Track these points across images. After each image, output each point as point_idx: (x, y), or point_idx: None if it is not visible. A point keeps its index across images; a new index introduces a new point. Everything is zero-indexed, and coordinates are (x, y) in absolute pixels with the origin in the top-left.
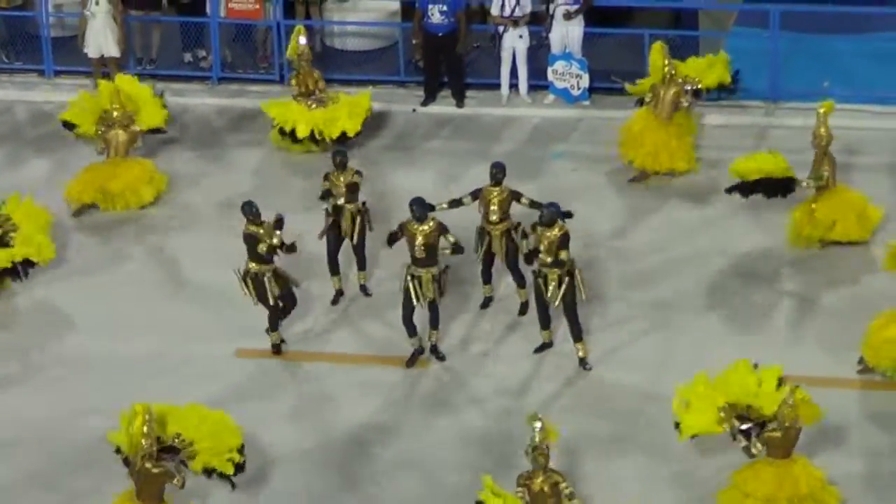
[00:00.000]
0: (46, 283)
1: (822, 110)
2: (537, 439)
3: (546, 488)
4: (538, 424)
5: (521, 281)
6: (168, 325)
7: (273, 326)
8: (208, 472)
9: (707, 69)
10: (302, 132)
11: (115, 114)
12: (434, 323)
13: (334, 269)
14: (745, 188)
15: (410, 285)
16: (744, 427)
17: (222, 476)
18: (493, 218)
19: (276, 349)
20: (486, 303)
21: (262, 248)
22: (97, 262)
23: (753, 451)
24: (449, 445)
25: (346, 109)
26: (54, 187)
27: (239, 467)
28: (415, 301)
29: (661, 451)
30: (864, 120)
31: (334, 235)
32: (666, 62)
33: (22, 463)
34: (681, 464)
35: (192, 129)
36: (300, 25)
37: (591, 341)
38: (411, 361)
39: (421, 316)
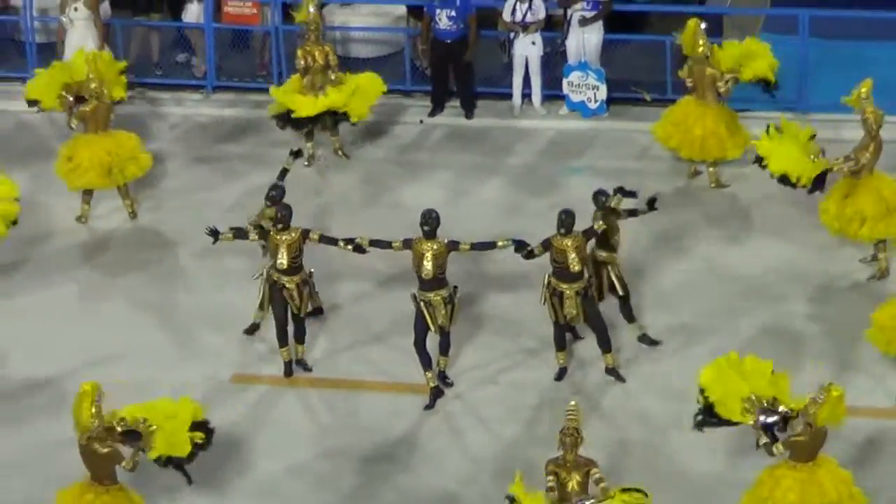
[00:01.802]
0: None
1: (863, 89)
2: (569, 424)
3: (577, 477)
4: (572, 404)
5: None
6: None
7: (281, 342)
8: (166, 461)
9: (746, 58)
10: (310, 111)
11: (92, 85)
12: (444, 349)
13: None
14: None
15: (425, 311)
16: (769, 420)
17: (178, 466)
18: (576, 268)
19: (288, 370)
20: (561, 374)
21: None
22: (84, 281)
23: (775, 451)
24: (460, 469)
25: (352, 90)
26: (36, 202)
27: (198, 446)
28: (431, 326)
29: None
30: None
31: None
32: (701, 42)
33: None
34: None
35: (187, 141)
36: None
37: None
38: (431, 404)
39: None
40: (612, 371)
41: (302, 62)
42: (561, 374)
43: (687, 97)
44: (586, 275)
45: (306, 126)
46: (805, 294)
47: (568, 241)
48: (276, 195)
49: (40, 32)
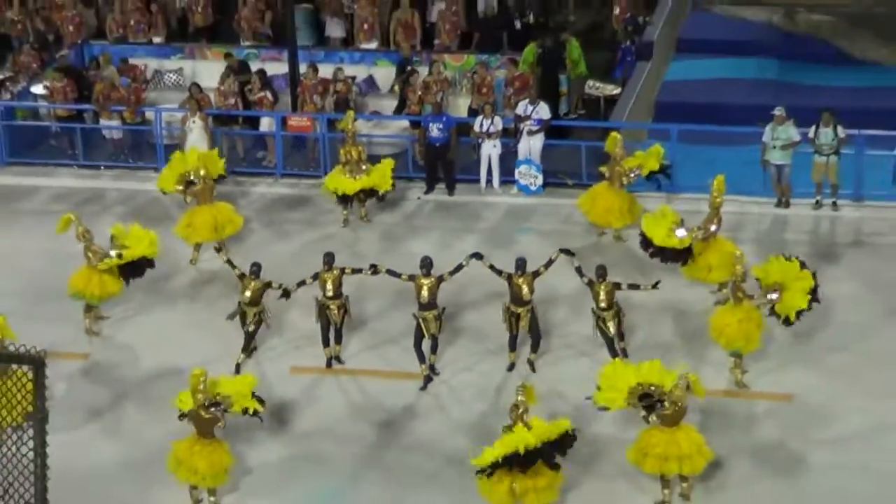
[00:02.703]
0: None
1: (715, 183)
2: (518, 398)
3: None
4: (520, 386)
5: (536, 348)
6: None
7: (325, 344)
8: (244, 412)
9: (646, 157)
10: (350, 190)
11: (201, 172)
12: (434, 349)
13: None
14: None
15: (421, 324)
16: (644, 403)
17: (254, 413)
18: (526, 297)
19: (329, 363)
20: (511, 367)
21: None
22: (193, 304)
23: (650, 419)
24: (444, 432)
25: (377, 174)
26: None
27: (261, 402)
28: (425, 334)
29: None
30: (734, 206)
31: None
32: (618, 147)
33: None
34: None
35: (263, 211)
36: (350, 110)
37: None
38: (424, 386)
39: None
40: (531, 364)
41: (344, 157)
42: (511, 367)
43: (603, 183)
44: (531, 301)
45: (349, 200)
46: (673, 316)
47: (521, 279)
48: (328, 260)
49: (167, 137)
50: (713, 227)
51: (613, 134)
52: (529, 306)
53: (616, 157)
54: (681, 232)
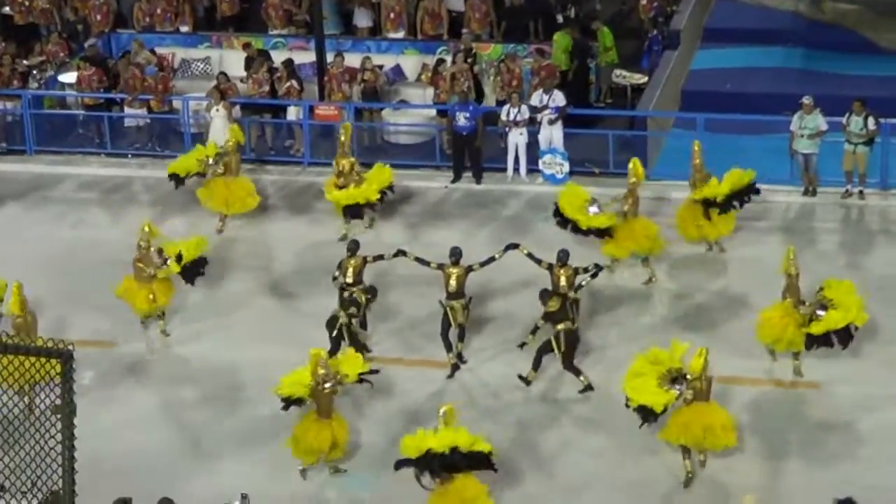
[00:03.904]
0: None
1: (631, 165)
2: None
3: None
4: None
5: None
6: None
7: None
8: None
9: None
10: (337, 203)
11: (230, 143)
12: (461, 338)
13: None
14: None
15: (449, 313)
16: (677, 386)
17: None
18: (561, 291)
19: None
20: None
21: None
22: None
23: (687, 397)
24: (471, 417)
25: (368, 184)
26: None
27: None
28: (453, 323)
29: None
30: (761, 195)
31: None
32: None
33: None
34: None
35: (289, 198)
36: (348, 122)
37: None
38: (451, 374)
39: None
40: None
41: (337, 168)
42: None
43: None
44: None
45: (347, 213)
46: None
47: (561, 271)
48: (352, 247)
49: (193, 125)
50: (625, 208)
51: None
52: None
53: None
54: (593, 209)
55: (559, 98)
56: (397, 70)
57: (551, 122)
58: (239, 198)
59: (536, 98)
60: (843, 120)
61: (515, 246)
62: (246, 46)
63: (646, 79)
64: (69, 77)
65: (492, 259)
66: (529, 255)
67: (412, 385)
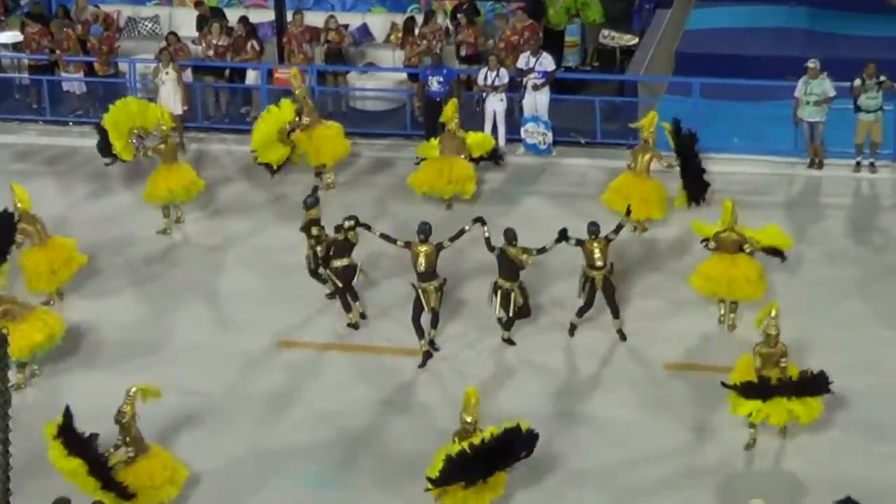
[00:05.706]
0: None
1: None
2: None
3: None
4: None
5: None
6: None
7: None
8: None
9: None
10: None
11: (164, 127)
12: (434, 324)
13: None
14: None
15: (421, 296)
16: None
17: None
18: (598, 264)
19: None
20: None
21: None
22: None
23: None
24: (443, 408)
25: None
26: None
27: None
28: (425, 307)
29: None
30: (762, 167)
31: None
32: (651, 130)
33: None
34: None
35: (247, 169)
36: (294, 68)
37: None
38: (423, 363)
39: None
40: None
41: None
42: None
43: (627, 173)
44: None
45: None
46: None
47: (595, 244)
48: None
49: (141, 91)
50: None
51: (652, 113)
52: (603, 272)
53: (646, 138)
54: None
55: (547, 61)
56: (364, 29)
57: (536, 88)
58: (183, 188)
59: (523, 61)
60: (856, 82)
61: (483, 221)
62: (198, 4)
63: (636, 40)
64: (4, 37)
65: (462, 232)
66: (487, 241)
67: (380, 375)
